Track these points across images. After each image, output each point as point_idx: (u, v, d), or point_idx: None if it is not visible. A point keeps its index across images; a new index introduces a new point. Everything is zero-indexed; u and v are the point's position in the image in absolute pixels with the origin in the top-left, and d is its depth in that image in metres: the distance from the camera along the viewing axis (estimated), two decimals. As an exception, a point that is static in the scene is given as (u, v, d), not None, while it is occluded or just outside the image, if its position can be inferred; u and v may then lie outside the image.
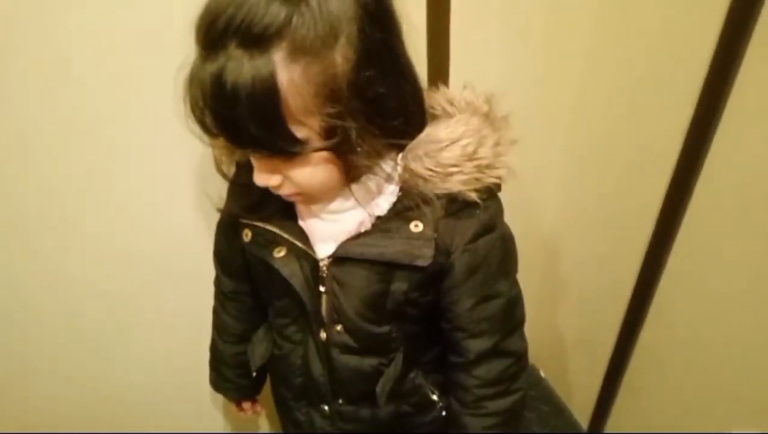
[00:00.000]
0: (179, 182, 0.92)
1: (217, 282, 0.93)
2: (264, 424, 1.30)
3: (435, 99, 0.72)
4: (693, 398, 1.06)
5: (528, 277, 1.36)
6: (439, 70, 0.97)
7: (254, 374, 0.91)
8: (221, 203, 0.78)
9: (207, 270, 0.93)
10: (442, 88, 0.73)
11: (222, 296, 0.93)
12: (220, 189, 0.78)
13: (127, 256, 0.96)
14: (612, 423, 1.37)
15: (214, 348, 0.98)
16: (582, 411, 1.47)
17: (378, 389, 0.78)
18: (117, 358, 1.05)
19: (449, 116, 0.70)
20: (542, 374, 1.63)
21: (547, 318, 1.51)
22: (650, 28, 0.96)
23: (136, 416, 1.14)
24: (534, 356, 1.58)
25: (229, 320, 0.93)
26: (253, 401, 1.05)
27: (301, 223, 0.73)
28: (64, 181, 0.86)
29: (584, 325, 1.40)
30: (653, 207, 1.01)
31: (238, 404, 1.04)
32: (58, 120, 0.80)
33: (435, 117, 0.70)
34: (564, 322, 1.48)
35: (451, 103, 0.71)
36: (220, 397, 1.17)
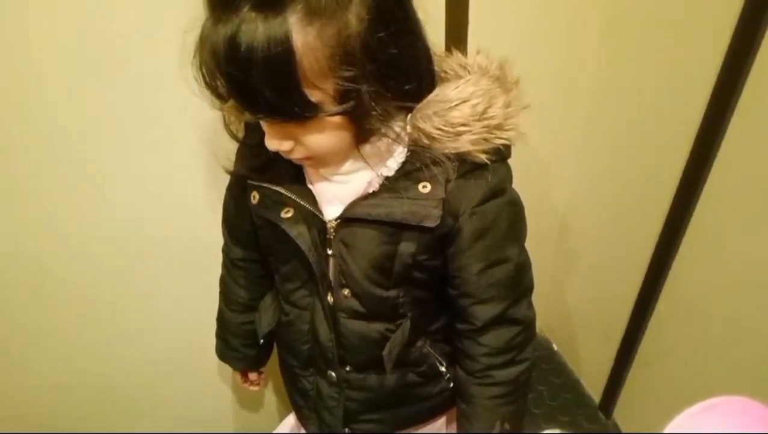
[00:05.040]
0: (187, 147, 0.92)
1: (226, 250, 0.94)
2: (270, 396, 1.30)
3: (448, 63, 0.72)
4: (706, 372, 1.05)
5: (542, 249, 1.37)
6: (457, 35, 0.96)
7: (261, 341, 0.91)
8: (230, 166, 0.78)
9: (216, 239, 0.93)
10: (455, 52, 0.73)
11: (230, 264, 0.93)
12: (229, 152, 0.78)
13: (134, 225, 0.96)
14: (624, 397, 1.36)
15: (220, 317, 0.99)
16: (594, 385, 1.46)
17: (385, 353, 0.78)
18: (123, 329, 1.06)
19: (461, 78, 0.69)
20: (554, 347, 1.63)
21: (560, 291, 1.50)
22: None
23: (142, 389, 1.15)
24: (547, 328, 1.59)
25: (236, 288, 0.94)
26: (259, 372, 1.05)
27: (309, 185, 0.73)
28: (65, 150, 0.85)
29: (597, 298, 1.40)
30: (671, 180, 1.00)
31: (244, 374, 1.04)
32: (63, 88, 0.80)
33: (446, 80, 0.70)
34: (577, 295, 1.48)
35: (464, 68, 0.71)
36: (227, 371, 1.18)
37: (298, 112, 0.57)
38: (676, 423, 0.42)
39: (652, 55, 1.01)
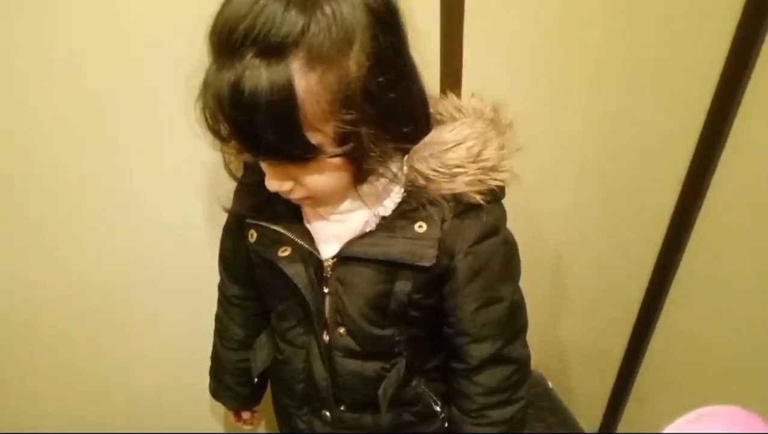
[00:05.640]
0: (186, 184, 0.93)
1: (222, 287, 0.94)
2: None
3: (443, 105, 0.74)
4: (702, 406, 1.05)
5: (535, 285, 1.37)
6: (452, 77, 0.98)
7: (256, 380, 0.90)
8: (229, 204, 0.79)
9: (213, 273, 0.93)
10: (450, 95, 0.75)
11: (226, 302, 0.93)
12: (228, 190, 0.79)
13: (132, 257, 0.96)
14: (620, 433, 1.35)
15: (215, 355, 0.98)
16: (590, 422, 1.45)
17: (380, 392, 0.78)
18: (119, 359, 1.05)
19: (456, 121, 0.71)
20: (549, 384, 1.61)
21: (554, 327, 1.50)
22: (660, 34, 0.97)
23: (135, 419, 1.14)
24: (541, 365, 1.58)
25: (232, 326, 0.93)
26: (252, 411, 1.04)
27: (306, 224, 0.74)
28: (71, 181, 0.86)
29: (592, 335, 1.39)
30: (663, 216, 1.01)
31: (237, 413, 1.03)
32: (65, 120, 0.82)
33: (441, 122, 0.72)
34: (571, 331, 1.47)
35: (459, 110, 0.73)
36: (220, 409, 1.16)
37: (299, 154, 0.58)
38: (674, 426, 0.43)
39: (643, 94, 1.03)
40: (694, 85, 0.89)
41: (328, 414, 0.83)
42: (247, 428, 1.06)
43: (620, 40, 1.04)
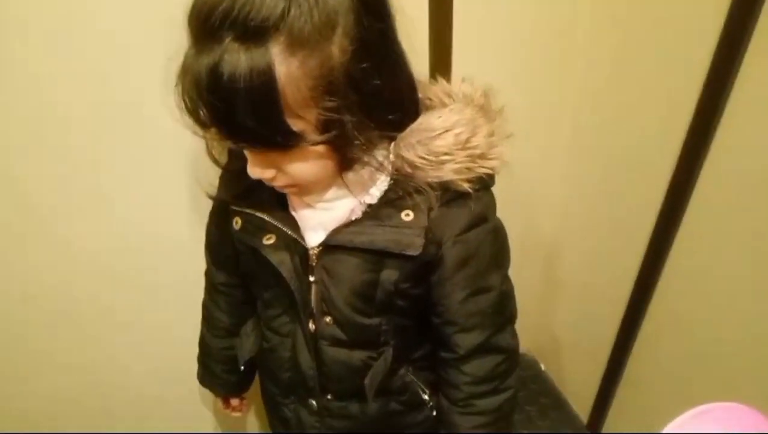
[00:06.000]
0: (171, 173, 0.92)
1: (208, 274, 0.93)
2: (252, 422, 1.28)
3: (432, 91, 0.72)
4: (693, 392, 1.06)
5: (528, 269, 1.38)
6: (441, 63, 0.96)
7: (242, 368, 0.90)
8: (213, 191, 0.77)
9: (200, 266, 0.93)
10: (440, 80, 0.73)
11: (212, 289, 0.92)
12: (212, 177, 0.77)
13: (115, 248, 0.95)
14: (611, 416, 1.36)
15: (202, 342, 0.97)
16: (582, 404, 1.46)
17: (366, 381, 0.77)
18: (104, 355, 1.05)
19: (445, 106, 0.69)
20: (542, 367, 1.62)
21: (547, 312, 1.51)
22: (653, 21, 0.96)
23: (123, 418, 1.14)
24: (534, 348, 1.59)
25: (218, 313, 0.92)
26: (241, 398, 1.03)
27: (292, 212, 0.73)
28: (55, 176, 0.85)
29: (585, 318, 1.40)
30: (655, 203, 1.01)
31: (225, 400, 1.03)
32: (45, 113, 0.80)
33: (431, 108, 0.70)
34: (564, 315, 1.48)
35: (449, 95, 0.71)
36: (208, 397, 1.16)
37: (281, 141, 0.56)
38: (674, 425, 0.42)
39: (636, 80, 1.02)
40: (687, 66, 0.88)
41: (314, 402, 0.83)
42: (235, 415, 1.06)
43: (611, 27, 1.03)
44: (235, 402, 1.03)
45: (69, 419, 1.08)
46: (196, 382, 1.00)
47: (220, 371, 0.96)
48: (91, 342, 1.02)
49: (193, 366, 1.00)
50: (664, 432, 0.42)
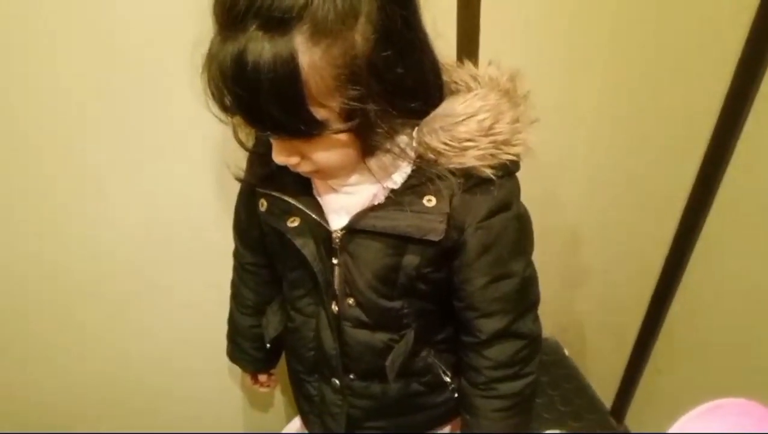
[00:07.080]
0: (199, 154, 0.93)
1: (236, 254, 0.95)
2: (280, 397, 1.31)
3: (459, 74, 0.71)
4: (720, 379, 1.04)
5: (553, 254, 1.37)
6: (468, 47, 0.95)
7: (268, 346, 0.92)
8: (240, 173, 0.79)
9: (226, 241, 0.94)
10: (467, 63, 0.73)
11: (240, 269, 0.94)
12: (239, 159, 0.79)
13: (146, 230, 0.98)
14: (636, 403, 1.35)
15: (231, 320, 1.00)
16: (606, 390, 1.45)
17: (387, 363, 0.78)
18: (133, 329, 1.08)
19: (470, 91, 0.69)
20: (566, 352, 1.61)
21: (571, 296, 1.49)
22: (682, 15, 0.93)
23: (152, 388, 1.17)
24: (558, 333, 1.58)
25: (246, 292, 0.95)
26: (269, 374, 1.06)
27: (316, 195, 0.74)
28: (82, 153, 0.87)
29: (610, 303, 1.38)
30: (682, 190, 0.99)
31: (254, 376, 1.06)
32: (71, 96, 0.82)
33: (456, 92, 0.69)
34: (589, 300, 1.46)
35: (475, 79, 0.70)
36: (237, 372, 1.19)
37: (304, 129, 0.57)
38: (681, 423, 0.42)
39: (663, 61, 1.00)
40: (713, 63, 0.86)
41: (337, 381, 0.84)
42: (263, 391, 1.09)
43: (642, 14, 1.00)
44: (263, 378, 1.06)
45: (80, 419, 1.12)
46: (226, 358, 1.03)
47: (249, 348, 0.99)
48: (121, 318, 1.06)
49: (223, 342, 1.03)
50: (669, 432, 0.41)
